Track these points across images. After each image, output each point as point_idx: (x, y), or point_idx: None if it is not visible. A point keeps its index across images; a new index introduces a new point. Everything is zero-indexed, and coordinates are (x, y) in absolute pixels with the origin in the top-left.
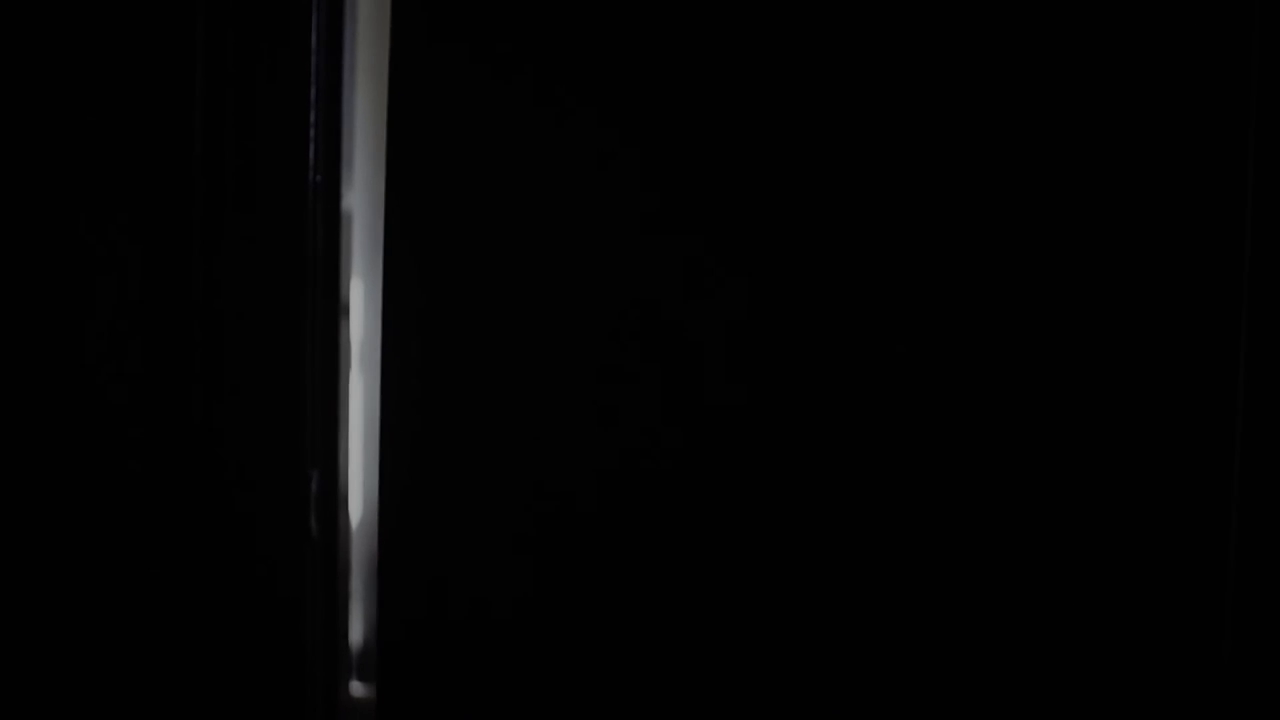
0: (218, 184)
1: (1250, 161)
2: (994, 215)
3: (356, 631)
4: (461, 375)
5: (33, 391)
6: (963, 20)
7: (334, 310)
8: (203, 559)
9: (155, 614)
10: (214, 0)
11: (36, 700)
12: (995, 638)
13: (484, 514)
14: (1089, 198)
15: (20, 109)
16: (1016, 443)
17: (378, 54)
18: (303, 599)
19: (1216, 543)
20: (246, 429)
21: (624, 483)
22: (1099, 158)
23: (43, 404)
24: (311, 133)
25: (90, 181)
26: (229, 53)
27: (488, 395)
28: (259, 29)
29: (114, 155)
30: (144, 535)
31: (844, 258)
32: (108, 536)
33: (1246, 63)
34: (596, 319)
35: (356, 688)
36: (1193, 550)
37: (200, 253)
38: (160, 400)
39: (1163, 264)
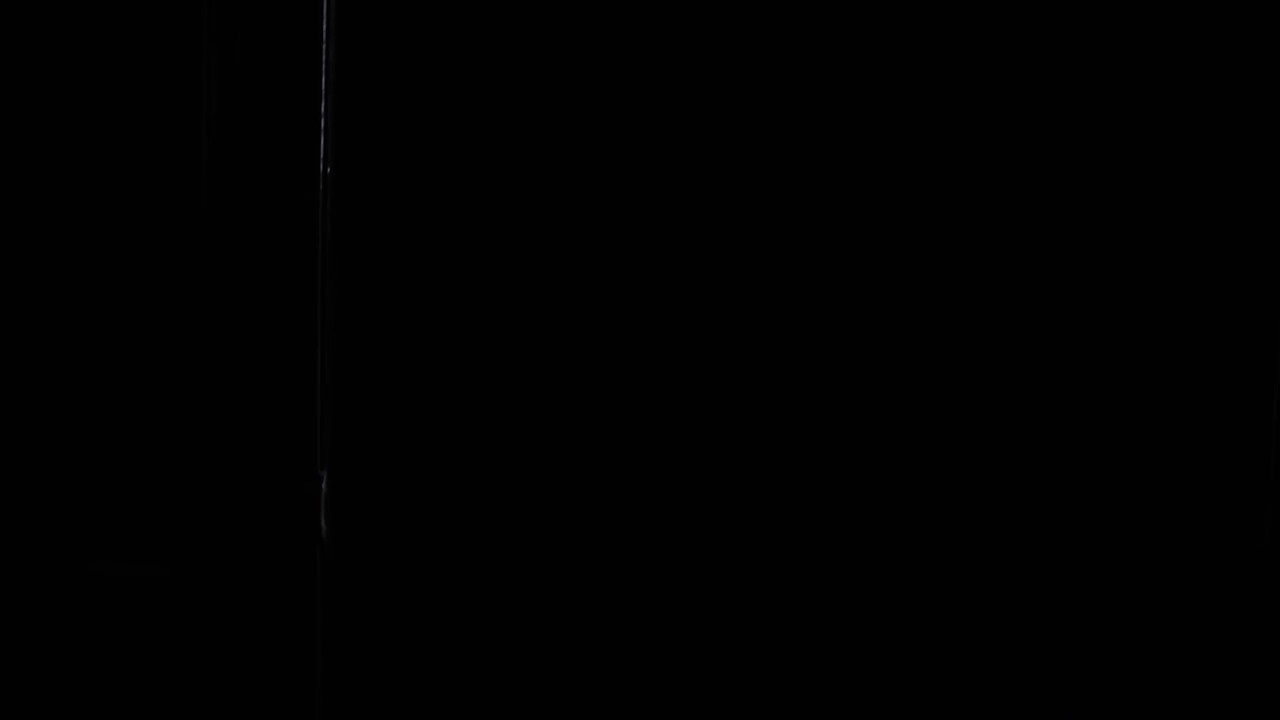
0: (226, 178)
1: None
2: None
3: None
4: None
5: (37, 390)
6: (974, 18)
7: (345, 305)
8: (211, 558)
9: (163, 613)
10: None
11: (49, 699)
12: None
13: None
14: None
15: (21, 104)
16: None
17: None
18: (313, 599)
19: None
20: (256, 427)
21: (622, 481)
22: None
23: (47, 403)
24: (323, 123)
25: (94, 176)
26: (238, 43)
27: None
28: (268, 18)
29: (118, 148)
30: (152, 534)
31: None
32: (116, 535)
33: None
34: (592, 315)
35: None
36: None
37: (208, 248)
38: (168, 398)
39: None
